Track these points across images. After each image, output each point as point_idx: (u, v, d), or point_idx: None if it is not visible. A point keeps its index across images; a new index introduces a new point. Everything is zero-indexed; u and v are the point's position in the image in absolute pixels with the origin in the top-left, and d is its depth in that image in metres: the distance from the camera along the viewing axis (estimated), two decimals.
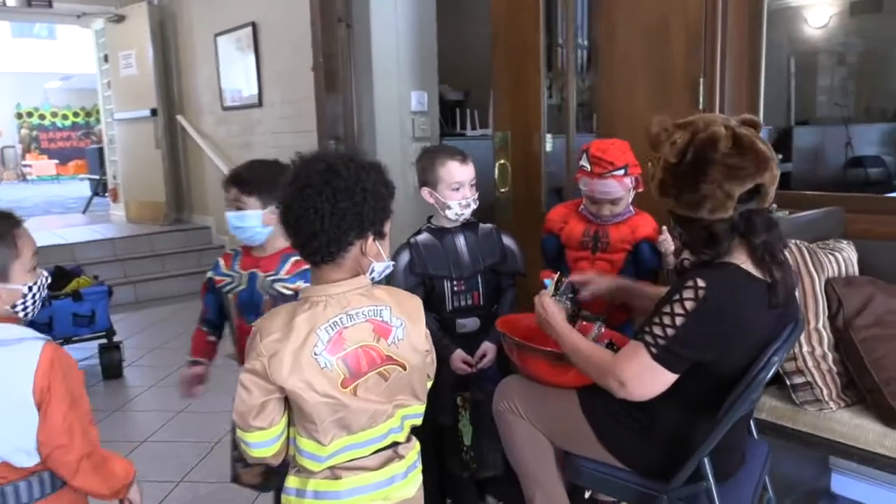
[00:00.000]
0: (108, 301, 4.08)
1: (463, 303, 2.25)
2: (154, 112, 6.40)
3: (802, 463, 2.35)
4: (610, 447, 1.71)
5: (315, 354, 1.30)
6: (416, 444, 1.49)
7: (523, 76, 3.22)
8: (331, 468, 1.37)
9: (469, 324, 2.25)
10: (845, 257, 2.07)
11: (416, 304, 1.46)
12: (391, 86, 4.05)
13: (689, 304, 1.49)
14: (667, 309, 1.52)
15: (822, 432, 1.89)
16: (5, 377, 1.36)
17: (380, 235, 1.39)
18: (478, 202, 2.24)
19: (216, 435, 3.15)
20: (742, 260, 1.54)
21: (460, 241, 2.27)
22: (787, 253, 1.61)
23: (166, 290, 5.71)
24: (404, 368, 1.40)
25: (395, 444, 1.43)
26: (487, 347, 2.22)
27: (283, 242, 1.91)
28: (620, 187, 2.10)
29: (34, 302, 1.48)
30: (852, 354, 1.90)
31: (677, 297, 1.51)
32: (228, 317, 2.06)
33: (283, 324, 1.31)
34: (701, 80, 2.56)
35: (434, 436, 2.29)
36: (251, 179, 1.95)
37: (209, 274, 2.06)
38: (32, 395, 1.36)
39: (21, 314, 1.47)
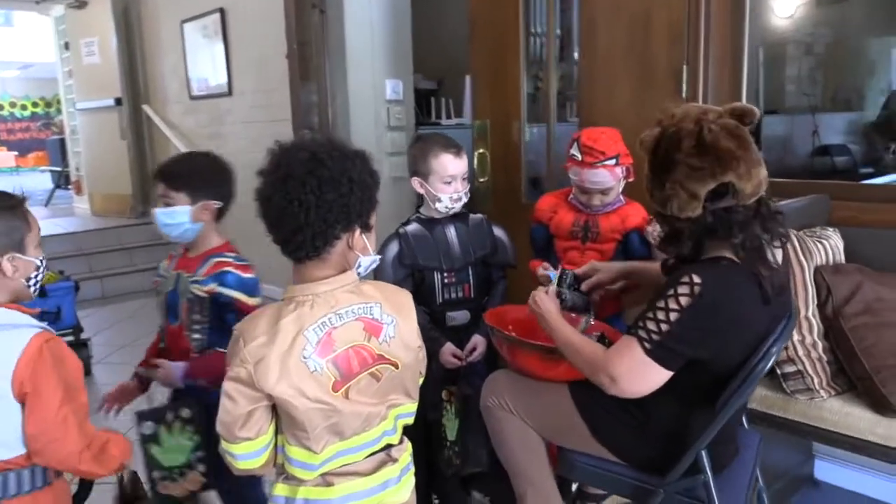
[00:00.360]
0: (75, 297, 3.94)
1: (454, 295, 2.19)
2: (118, 101, 6.20)
3: (786, 451, 2.35)
4: (604, 442, 1.67)
5: (304, 358, 1.23)
6: (408, 446, 1.43)
7: (502, 64, 3.17)
8: (322, 475, 1.30)
9: (459, 317, 2.20)
10: (832, 245, 2.06)
11: (406, 299, 1.39)
12: (366, 74, 3.97)
13: (684, 300, 1.45)
14: (661, 304, 1.48)
15: (813, 421, 1.88)
16: None
17: (366, 228, 1.32)
18: (468, 195, 2.19)
19: None
20: (730, 255, 1.50)
21: (451, 231, 2.21)
22: (787, 245, 1.58)
23: (134, 285, 5.53)
24: (397, 367, 1.34)
25: (388, 447, 1.37)
26: (478, 340, 2.17)
27: (215, 241, 1.86)
28: (611, 177, 2.07)
29: (38, 278, 1.49)
30: (842, 343, 1.88)
31: (672, 292, 1.47)
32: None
33: (267, 327, 1.23)
34: (684, 68, 2.53)
35: (424, 432, 2.24)
36: (180, 174, 1.83)
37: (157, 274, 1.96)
38: (11, 386, 1.31)
39: (32, 288, 1.47)
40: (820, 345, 1.90)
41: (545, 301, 1.74)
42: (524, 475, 1.79)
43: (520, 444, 1.78)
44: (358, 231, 1.30)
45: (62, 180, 8.92)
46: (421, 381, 1.44)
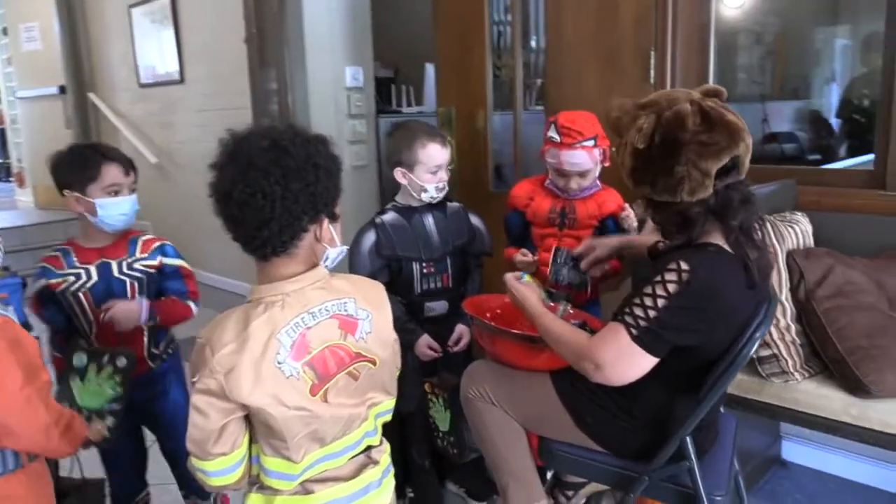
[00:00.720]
0: (22, 294, 3.75)
1: (432, 285, 2.14)
2: (63, 89, 5.93)
3: (754, 432, 2.37)
4: (588, 431, 1.64)
5: (279, 363, 1.14)
6: (387, 447, 1.37)
7: (468, 52, 3.12)
8: (302, 483, 1.23)
9: (438, 307, 2.15)
10: (802, 229, 2.08)
11: (379, 291, 1.32)
12: (325, 61, 3.86)
13: (672, 287, 1.42)
14: (648, 290, 1.45)
15: (787, 403, 1.89)
16: None
17: (333, 217, 1.25)
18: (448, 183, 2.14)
19: None
20: (720, 241, 1.48)
21: (429, 220, 2.15)
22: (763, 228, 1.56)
23: None
24: (374, 364, 1.27)
25: (368, 449, 1.31)
26: (462, 330, 2.12)
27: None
28: (589, 158, 2.04)
29: None
30: (815, 325, 1.90)
31: (659, 279, 1.44)
32: (76, 320, 1.84)
33: (236, 332, 1.14)
34: (652, 52, 2.52)
35: (397, 425, 2.19)
36: (130, 160, 1.86)
37: (40, 284, 1.81)
38: None
39: None
40: (793, 328, 1.92)
41: (522, 289, 1.70)
42: (506, 467, 1.75)
43: (501, 436, 1.74)
44: (326, 221, 1.22)
45: (2, 172, 8.53)
46: (397, 374, 1.38)
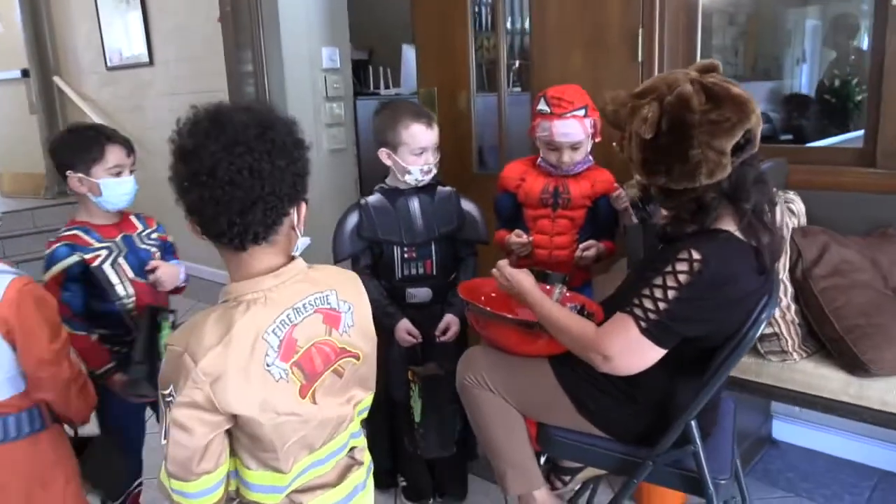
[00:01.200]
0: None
1: (414, 271, 2.07)
2: (26, 73, 5.70)
3: (746, 413, 2.35)
4: (590, 417, 1.60)
5: (268, 366, 1.04)
6: (365, 441, 1.29)
7: (449, 31, 3.03)
8: (288, 495, 1.14)
9: (420, 294, 2.08)
10: (797, 209, 2.05)
11: (355, 281, 1.22)
12: (301, 41, 3.74)
13: (682, 277, 1.37)
14: (658, 281, 1.39)
15: (785, 384, 1.86)
16: None
17: (306, 203, 1.14)
18: (437, 166, 2.06)
19: None
20: (731, 226, 1.43)
21: (414, 204, 2.08)
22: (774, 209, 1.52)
23: None
24: (358, 359, 1.18)
25: (351, 449, 1.23)
26: (451, 320, 2.06)
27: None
28: (581, 129, 1.99)
29: None
30: (812, 305, 1.87)
31: (670, 269, 1.39)
32: (109, 293, 1.82)
33: (219, 335, 1.01)
34: (639, 31, 2.45)
35: (388, 411, 2.13)
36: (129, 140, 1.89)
37: (70, 260, 1.77)
38: None
39: None
40: (793, 307, 1.88)
41: (517, 274, 1.63)
42: (504, 455, 1.69)
43: (499, 423, 1.68)
44: (304, 205, 1.12)
45: None
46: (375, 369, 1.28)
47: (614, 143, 1.57)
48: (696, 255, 1.37)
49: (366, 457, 1.26)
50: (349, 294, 1.17)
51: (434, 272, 2.09)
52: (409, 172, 2.00)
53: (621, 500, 1.63)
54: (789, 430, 2.45)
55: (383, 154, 2.02)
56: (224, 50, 3.62)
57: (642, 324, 1.39)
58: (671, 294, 1.37)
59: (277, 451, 1.06)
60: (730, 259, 1.40)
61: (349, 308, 1.16)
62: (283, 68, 3.69)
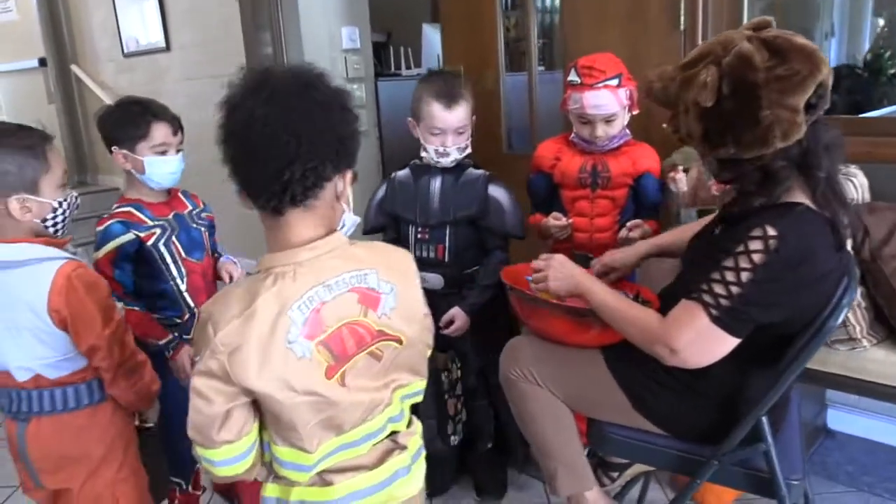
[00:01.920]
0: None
1: (425, 254, 1.96)
2: (43, 62, 5.61)
3: (802, 403, 2.21)
4: (646, 412, 1.46)
5: (289, 343, 0.99)
6: (418, 427, 1.20)
7: (476, 9, 2.88)
8: (319, 473, 1.09)
9: (431, 279, 1.94)
10: (860, 182, 1.88)
11: (405, 260, 1.15)
12: (319, 21, 3.60)
13: (757, 257, 1.22)
14: (730, 263, 1.24)
15: (854, 373, 1.72)
16: (20, 298, 1.34)
17: (353, 176, 1.08)
18: (467, 149, 1.94)
19: None
20: (803, 198, 1.28)
21: (436, 184, 1.95)
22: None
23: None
24: (400, 343, 1.10)
25: (393, 434, 1.15)
26: (456, 313, 1.92)
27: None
28: (615, 100, 1.84)
29: (64, 219, 1.44)
30: (882, 286, 1.71)
31: (742, 248, 1.23)
32: (164, 272, 1.79)
33: (241, 308, 0.98)
34: None
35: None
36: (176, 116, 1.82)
37: (126, 238, 1.72)
38: (50, 316, 1.34)
39: (51, 229, 1.43)
40: (860, 290, 1.73)
41: (566, 265, 1.49)
42: (554, 453, 1.56)
43: (548, 419, 1.55)
44: (349, 175, 1.07)
45: None
46: (429, 353, 1.20)
47: (665, 125, 1.41)
48: (771, 232, 1.22)
49: (412, 442, 1.17)
50: (394, 275, 1.10)
51: (446, 259, 1.96)
52: (425, 150, 1.91)
53: (682, 501, 1.49)
54: (845, 419, 2.29)
55: (411, 123, 1.93)
56: (242, 30, 3.48)
57: (713, 311, 1.24)
58: (745, 276, 1.22)
59: (299, 431, 1.03)
60: (809, 233, 1.25)
61: (392, 289, 1.08)
62: (303, 50, 3.55)
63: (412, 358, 1.15)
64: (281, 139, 0.96)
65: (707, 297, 1.25)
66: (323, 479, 1.09)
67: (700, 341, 1.26)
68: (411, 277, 1.14)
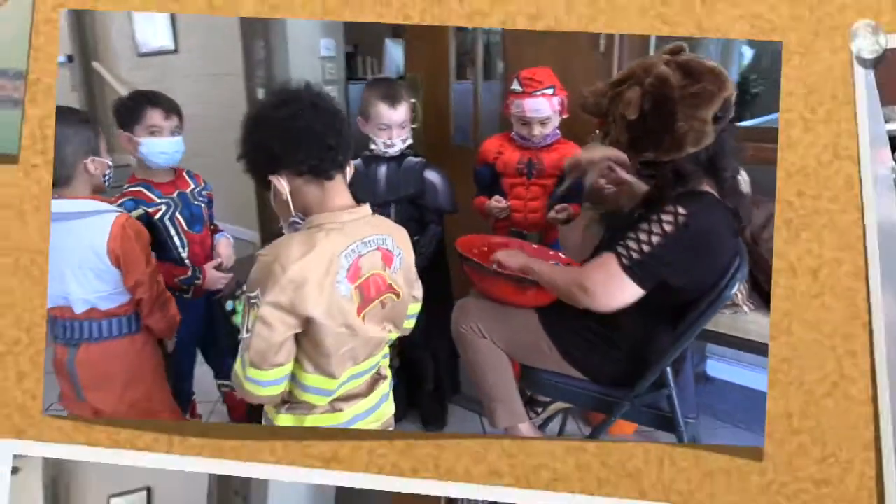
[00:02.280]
0: None
1: None
2: (70, 59, 5.22)
3: (691, 354, 2.19)
4: (572, 361, 1.40)
5: (338, 282, 1.02)
6: (388, 360, 1.22)
7: (433, 27, 2.74)
8: (331, 402, 1.11)
9: None
10: (745, 179, 1.83)
11: (405, 233, 1.19)
12: (302, 32, 3.39)
13: (668, 227, 1.19)
14: (644, 226, 1.21)
15: (739, 333, 1.68)
16: (87, 242, 1.38)
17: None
18: (408, 140, 1.84)
19: None
20: (713, 189, 1.27)
21: (382, 169, 1.86)
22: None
23: None
24: (398, 297, 1.14)
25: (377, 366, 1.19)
26: None
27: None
28: (549, 106, 1.80)
29: (111, 176, 1.48)
30: (761, 263, 1.66)
31: (656, 218, 1.20)
32: (167, 242, 1.68)
33: (303, 251, 1.00)
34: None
35: None
36: (173, 101, 1.70)
37: (135, 213, 1.61)
38: (108, 257, 1.38)
39: (106, 183, 1.48)
40: None
41: (515, 256, 1.48)
42: (494, 393, 1.48)
43: (490, 366, 1.48)
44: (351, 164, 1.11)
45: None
46: (417, 307, 1.24)
47: (597, 131, 1.39)
48: (682, 210, 1.19)
49: (388, 372, 1.22)
50: (400, 243, 1.16)
51: None
52: (374, 143, 1.82)
53: (599, 433, 1.42)
54: (721, 368, 2.27)
55: (360, 121, 1.83)
56: (241, 37, 3.28)
57: (624, 260, 1.21)
58: (655, 239, 1.20)
59: (332, 357, 1.04)
60: (712, 217, 1.23)
61: (399, 253, 1.14)
62: (289, 55, 3.36)
63: (400, 312, 1.17)
64: (332, 114, 1.04)
65: (620, 249, 1.22)
66: (333, 407, 1.11)
67: (609, 283, 1.23)
68: (410, 247, 1.18)
